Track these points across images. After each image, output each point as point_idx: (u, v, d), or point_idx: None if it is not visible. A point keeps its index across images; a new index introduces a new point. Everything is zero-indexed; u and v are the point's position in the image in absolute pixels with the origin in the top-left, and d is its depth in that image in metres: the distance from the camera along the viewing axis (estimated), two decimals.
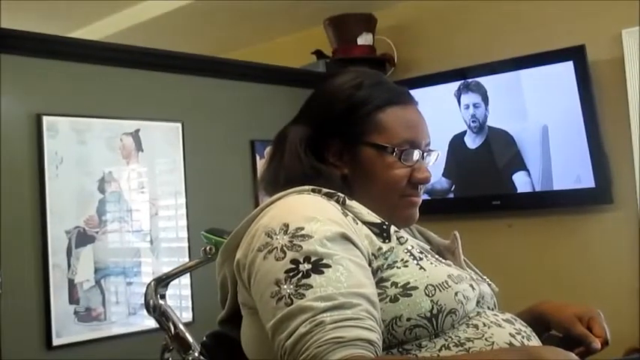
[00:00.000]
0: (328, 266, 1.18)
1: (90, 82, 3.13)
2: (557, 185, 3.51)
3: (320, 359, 1.08)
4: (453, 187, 3.86)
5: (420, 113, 1.49)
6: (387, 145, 1.41)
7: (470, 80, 3.73)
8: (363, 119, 1.42)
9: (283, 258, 1.19)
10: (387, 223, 1.33)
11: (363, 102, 1.43)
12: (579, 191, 3.44)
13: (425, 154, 1.46)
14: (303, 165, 1.41)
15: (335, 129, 1.44)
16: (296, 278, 1.16)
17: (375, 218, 1.33)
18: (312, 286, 1.15)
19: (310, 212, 1.26)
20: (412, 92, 1.53)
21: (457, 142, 3.80)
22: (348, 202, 1.33)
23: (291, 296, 1.15)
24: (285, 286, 1.16)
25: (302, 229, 1.22)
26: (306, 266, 1.17)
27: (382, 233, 1.31)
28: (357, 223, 1.30)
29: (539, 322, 1.49)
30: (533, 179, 3.58)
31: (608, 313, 1.50)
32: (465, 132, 3.79)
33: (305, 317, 1.12)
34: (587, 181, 3.40)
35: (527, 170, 3.59)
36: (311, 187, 1.35)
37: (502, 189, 3.69)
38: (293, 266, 1.18)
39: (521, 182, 3.62)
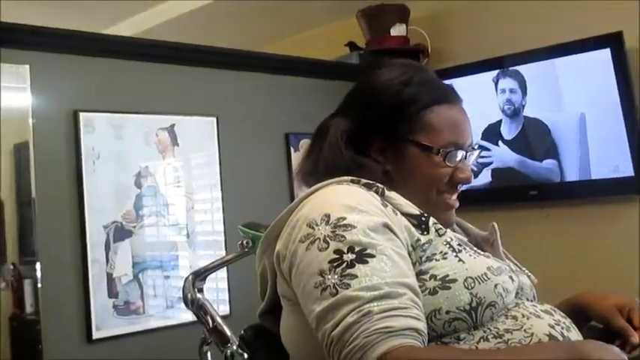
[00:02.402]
0: (372, 256, 1.17)
1: (125, 78, 3.15)
2: (595, 174, 3.47)
3: (369, 349, 1.07)
4: (490, 176, 3.83)
5: (465, 113, 1.48)
6: (433, 145, 1.40)
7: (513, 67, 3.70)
8: (411, 117, 1.41)
9: (327, 248, 1.19)
10: (425, 214, 1.32)
11: (411, 100, 1.42)
12: (618, 180, 3.39)
13: (467, 153, 1.46)
14: (344, 157, 1.41)
15: (380, 125, 1.43)
16: (340, 268, 1.16)
17: (414, 209, 1.32)
18: (357, 276, 1.15)
19: (351, 202, 1.25)
20: (445, 82, 1.52)
21: (492, 131, 3.77)
22: (387, 192, 1.33)
23: (336, 286, 1.14)
24: (329, 276, 1.16)
25: (344, 219, 1.22)
26: (350, 256, 1.17)
27: (421, 225, 1.30)
28: (396, 214, 1.29)
29: (579, 313, 1.48)
30: (570, 168, 3.54)
31: None
32: (500, 121, 3.76)
33: (352, 307, 1.11)
34: (626, 170, 3.35)
35: (565, 160, 3.55)
36: (350, 177, 1.35)
37: (539, 179, 3.66)
38: (337, 256, 1.17)
39: (559, 172, 3.58)
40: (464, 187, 1.48)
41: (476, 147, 1.51)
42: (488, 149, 3.76)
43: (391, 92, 1.43)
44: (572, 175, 3.55)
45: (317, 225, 1.23)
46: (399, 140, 1.42)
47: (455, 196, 1.46)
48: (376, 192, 1.32)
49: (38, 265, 2.76)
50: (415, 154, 1.41)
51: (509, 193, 3.80)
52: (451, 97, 1.46)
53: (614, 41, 3.35)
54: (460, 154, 1.43)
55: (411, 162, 1.42)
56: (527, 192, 3.71)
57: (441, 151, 1.40)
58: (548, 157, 3.61)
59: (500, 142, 3.77)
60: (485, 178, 3.83)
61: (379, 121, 1.43)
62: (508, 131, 3.74)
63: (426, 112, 1.42)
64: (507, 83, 3.72)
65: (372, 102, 1.46)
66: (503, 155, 3.77)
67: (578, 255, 3.59)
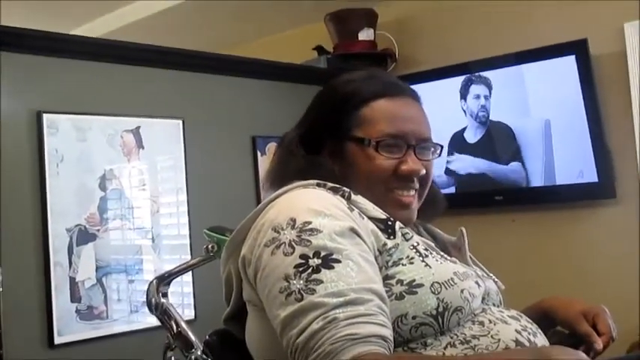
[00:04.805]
0: (338, 261, 1.16)
1: (90, 80, 3.11)
2: (560, 180, 3.50)
3: (334, 356, 1.07)
4: (455, 182, 3.85)
5: (413, 106, 1.45)
6: (365, 137, 1.39)
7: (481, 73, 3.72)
8: (349, 114, 1.42)
9: (292, 253, 1.18)
10: (392, 219, 1.32)
11: (349, 97, 1.43)
12: (582, 186, 3.43)
13: (416, 147, 1.42)
14: (298, 157, 1.42)
15: (325, 126, 1.44)
16: (306, 273, 1.15)
17: (380, 214, 1.32)
18: (322, 282, 1.14)
19: (317, 206, 1.24)
20: (413, 88, 1.51)
21: (457, 138, 3.79)
22: (353, 196, 1.32)
23: (302, 291, 1.13)
24: (294, 282, 1.15)
25: (309, 223, 1.21)
26: (316, 261, 1.16)
27: (387, 229, 1.29)
28: (362, 218, 1.28)
29: (545, 319, 1.48)
30: (535, 174, 3.57)
31: (612, 308, 1.49)
32: (464, 128, 3.78)
33: (317, 313, 1.10)
34: (590, 176, 3.39)
35: (530, 165, 3.58)
36: (316, 181, 1.34)
37: (504, 184, 3.68)
38: (302, 261, 1.16)
39: (524, 177, 3.61)
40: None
41: (434, 143, 1.46)
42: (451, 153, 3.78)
43: (331, 93, 1.46)
44: (537, 180, 3.57)
45: (282, 229, 1.22)
46: (341, 139, 1.42)
47: (410, 193, 1.42)
48: (342, 196, 1.31)
49: None
50: (353, 149, 1.41)
51: (475, 198, 3.82)
52: (394, 90, 1.44)
53: (579, 48, 3.38)
54: (400, 143, 1.40)
55: (351, 159, 1.41)
56: (492, 197, 3.73)
57: (371, 142, 1.39)
58: (514, 161, 3.63)
59: (462, 150, 3.78)
60: (449, 183, 3.84)
61: (323, 121, 1.45)
62: (473, 135, 3.76)
63: (363, 107, 1.41)
64: (481, 89, 3.73)
65: (317, 104, 1.49)
66: (466, 161, 3.78)
67: (542, 259, 3.62)
